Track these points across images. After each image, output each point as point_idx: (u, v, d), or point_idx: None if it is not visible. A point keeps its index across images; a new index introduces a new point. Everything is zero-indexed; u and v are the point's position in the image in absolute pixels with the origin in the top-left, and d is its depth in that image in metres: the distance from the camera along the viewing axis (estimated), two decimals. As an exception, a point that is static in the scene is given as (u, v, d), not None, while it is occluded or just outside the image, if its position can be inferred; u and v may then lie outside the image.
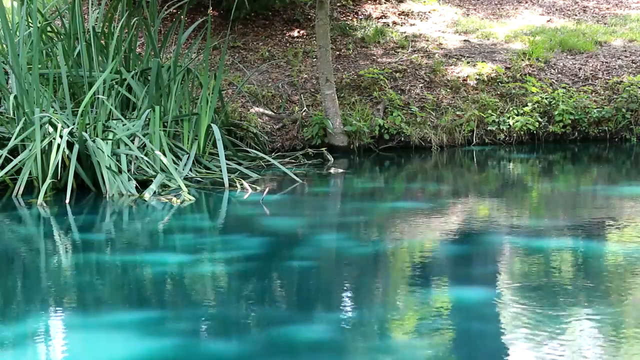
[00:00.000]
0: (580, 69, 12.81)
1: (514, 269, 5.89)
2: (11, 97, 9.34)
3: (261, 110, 11.73)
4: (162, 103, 9.87)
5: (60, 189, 8.66)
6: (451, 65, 12.75)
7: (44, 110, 9.11)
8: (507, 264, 6.06)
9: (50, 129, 8.86)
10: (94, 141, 8.78)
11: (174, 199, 8.28)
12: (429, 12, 14.76)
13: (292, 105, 11.98)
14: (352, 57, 13.07)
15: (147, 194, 8.37)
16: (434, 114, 11.83)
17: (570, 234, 6.91)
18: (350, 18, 14.43)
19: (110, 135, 9.09)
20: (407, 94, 12.13)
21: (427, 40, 13.56)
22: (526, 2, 15.51)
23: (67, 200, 8.15)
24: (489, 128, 11.78)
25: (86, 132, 8.94)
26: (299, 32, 13.94)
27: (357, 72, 12.43)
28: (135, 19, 10.90)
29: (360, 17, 14.48)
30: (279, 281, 5.71)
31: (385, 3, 14.98)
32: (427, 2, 15.03)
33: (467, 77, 12.38)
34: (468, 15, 14.84)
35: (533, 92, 12.06)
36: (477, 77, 12.34)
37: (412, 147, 11.54)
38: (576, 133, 11.99)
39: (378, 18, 14.43)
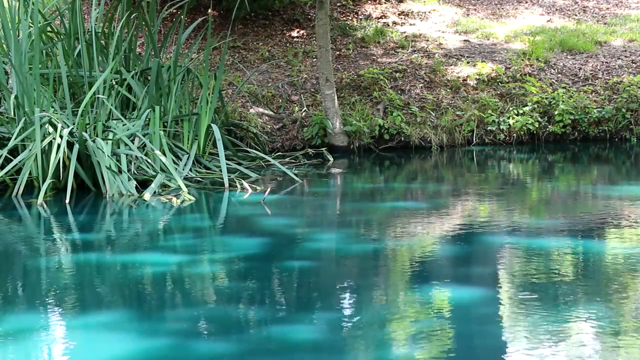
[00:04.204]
0: (580, 69, 12.82)
1: (513, 268, 5.89)
2: (11, 97, 9.35)
3: (261, 110, 11.73)
4: (162, 103, 9.87)
5: (60, 189, 8.66)
6: (451, 65, 12.75)
7: (44, 110, 9.11)
8: (506, 264, 6.06)
9: (50, 129, 8.86)
10: (94, 141, 8.79)
11: (174, 199, 8.28)
12: (429, 12, 14.76)
13: (292, 105, 11.98)
14: (352, 57, 13.07)
15: (147, 194, 8.37)
16: (434, 114, 11.84)
17: (570, 234, 6.91)
18: (350, 18, 14.43)
19: (110, 135, 9.10)
20: (407, 94, 12.14)
21: (427, 40, 13.57)
22: (526, 2, 15.51)
23: (67, 200, 8.16)
24: (489, 128, 11.78)
25: (86, 132, 8.95)
26: (299, 32, 13.94)
27: (357, 72, 12.43)
28: (135, 15, 10.89)
29: (360, 17, 14.48)
30: (279, 281, 5.72)
31: (385, 3, 14.98)
32: (427, 2, 15.03)
33: (467, 77, 12.38)
34: (468, 15, 14.84)
35: (533, 92, 12.06)
36: (477, 77, 12.35)
37: (412, 147, 11.54)
38: (576, 133, 11.99)
39: (378, 18, 14.44)
